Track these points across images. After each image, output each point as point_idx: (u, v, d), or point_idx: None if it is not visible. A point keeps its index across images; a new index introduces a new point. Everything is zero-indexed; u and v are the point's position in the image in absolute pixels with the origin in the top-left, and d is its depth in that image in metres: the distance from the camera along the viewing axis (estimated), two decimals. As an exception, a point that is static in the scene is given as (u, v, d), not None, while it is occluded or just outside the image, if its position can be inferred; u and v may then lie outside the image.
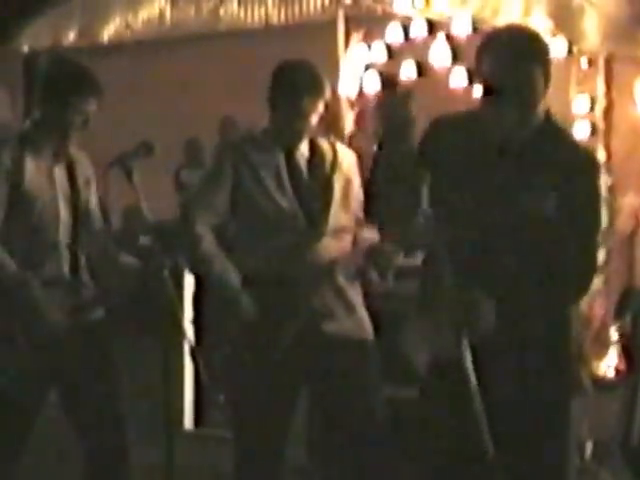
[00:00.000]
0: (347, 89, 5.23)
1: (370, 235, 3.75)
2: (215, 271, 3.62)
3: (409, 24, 5.17)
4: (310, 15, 6.38)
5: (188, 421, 4.94)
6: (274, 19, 6.33)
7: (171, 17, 6.57)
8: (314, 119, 3.59)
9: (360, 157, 3.85)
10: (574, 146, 3.01)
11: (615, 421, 4.28)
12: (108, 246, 3.79)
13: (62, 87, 3.57)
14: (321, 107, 3.58)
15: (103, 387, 3.67)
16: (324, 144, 3.71)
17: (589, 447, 4.61)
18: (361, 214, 3.78)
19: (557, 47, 5.71)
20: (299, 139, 3.63)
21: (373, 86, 5.17)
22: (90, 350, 3.65)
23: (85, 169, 3.74)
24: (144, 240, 3.78)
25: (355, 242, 3.74)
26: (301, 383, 3.66)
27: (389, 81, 5.04)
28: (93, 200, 3.76)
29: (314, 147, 3.69)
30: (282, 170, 3.63)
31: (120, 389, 3.72)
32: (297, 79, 3.57)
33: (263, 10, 6.67)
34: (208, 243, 3.60)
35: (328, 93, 3.63)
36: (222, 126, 5.95)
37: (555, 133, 2.95)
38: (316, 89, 3.58)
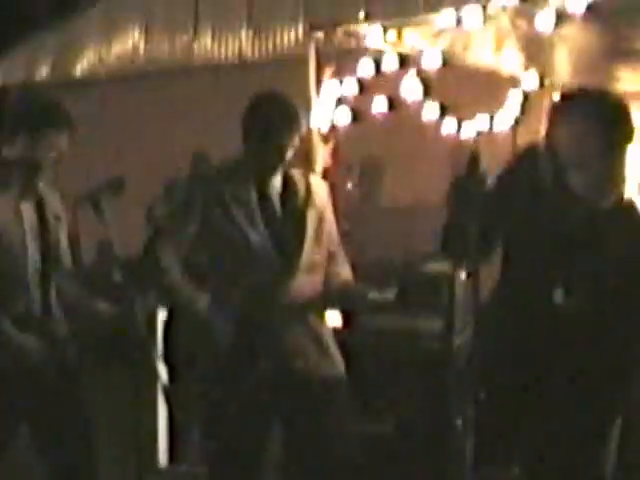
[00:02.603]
0: (319, 123, 5.27)
1: (343, 271, 3.75)
2: (183, 301, 3.60)
3: (380, 58, 5.21)
4: (283, 50, 6.45)
5: (162, 458, 4.92)
6: (248, 54, 6.35)
7: (145, 52, 6.56)
8: (288, 153, 3.59)
9: (334, 191, 3.92)
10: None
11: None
12: (79, 288, 3.75)
13: (33, 121, 3.53)
14: (296, 141, 3.59)
15: (75, 426, 3.64)
16: (297, 177, 3.70)
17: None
18: (334, 248, 3.76)
19: (529, 80, 5.75)
20: (272, 173, 3.62)
21: (344, 120, 5.23)
22: (62, 387, 3.63)
23: (55, 206, 3.69)
24: (117, 276, 3.73)
25: (327, 279, 3.73)
26: (272, 419, 3.64)
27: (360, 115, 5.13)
28: (63, 238, 3.71)
29: (287, 180, 3.68)
30: (254, 205, 3.61)
31: (92, 427, 3.68)
32: (271, 112, 3.56)
33: (237, 45, 6.71)
34: (175, 275, 3.57)
35: (302, 127, 3.63)
36: (194, 161, 5.97)
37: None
38: (290, 122, 3.57)
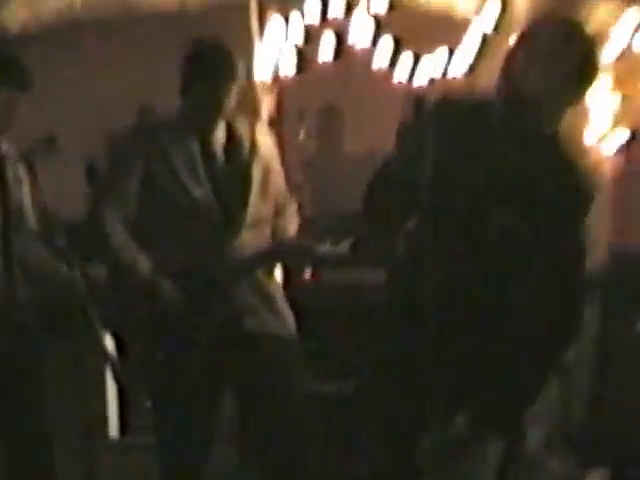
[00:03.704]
0: (262, 72, 5.15)
1: (291, 226, 3.74)
2: (125, 263, 3.51)
3: (327, 2, 5.05)
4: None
5: (112, 429, 4.82)
6: (189, 1, 6.23)
7: (82, 2, 6.46)
8: (228, 104, 3.53)
9: (283, 141, 3.93)
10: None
11: (554, 408, 4.28)
12: (39, 249, 3.72)
13: None
14: (235, 91, 3.53)
15: (30, 403, 3.63)
16: (242, 128, 3.64)
17: (537, 436, 4.54)
18: (283, 202, 3.72)
19: (485, 23, 5.40)
20: (213, 124, 3.55)
21: (290, 68, 5.12)
22: (20, 351, 3.60)
23: (17, 167, 3.63)
24: (60, 241, 3.74)
25: (274, 234, 3.70)
26: (223, 382, 3.61)
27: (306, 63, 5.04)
28: (25, 199, 3.64)
29: (231, 132, 3.61)
30: (197, 158, 3.55)
31: (46, 402, 3.67)
32: (208, 62, 3.51)
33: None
34: (117, 237, 3.51)
35: (243, 76, 3.57)
36: (139, 115, 5.80)
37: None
38: (230, 72, 3.51)
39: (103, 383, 4.54)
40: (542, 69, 2.62)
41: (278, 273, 4.07)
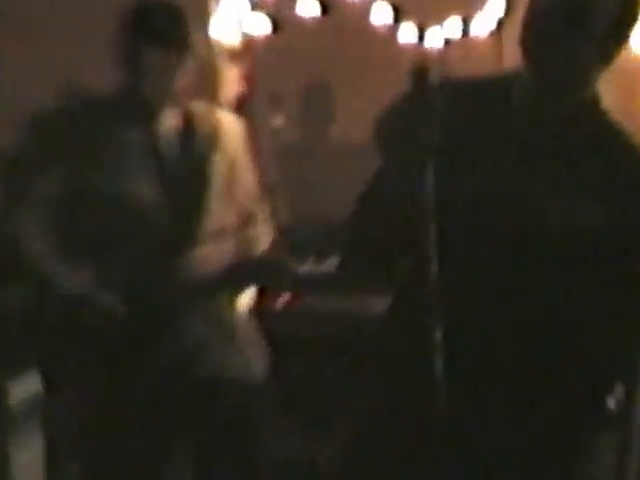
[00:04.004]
0: (225, 35, 4.84)
1: (263, 236, 3.54)
2: (50, 283, 3.29)
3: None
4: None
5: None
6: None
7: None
8: (182, 79, 3.31)
9: (253, 129, 3.68)
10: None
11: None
12: None
13: None
14: (191, 62, 3.31)
15: None
16: (201, 112, 3.44)
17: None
18: (253, 206, 3.54)
19: None
20: (162, 106, 3.34)
21: (262, 30, 4.83)
22: None
23: None
24: None
25: (241, 247, 3.47)
26: (172, 440, 3.42)
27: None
28: None
29: (186, 118, 3.41)
30: (140, 150, 3.35)
31: None
32: (156, 25, 3.30)
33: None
34: (36, 247, 3.30)
35: (199, 43, 3.37)
36: (65, 96, 5.47)
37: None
38: (182, 37, 3.30)
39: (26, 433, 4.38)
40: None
41: (247, 297, 3.77)
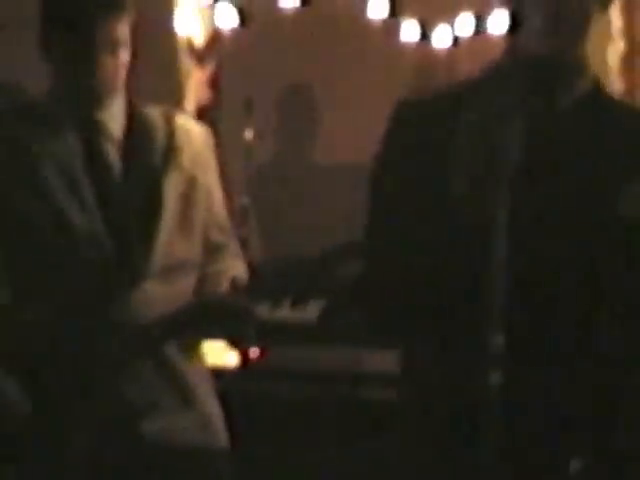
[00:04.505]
0: (187, 29, 4.72)
1: (232, 271, 3.33)
2: None
3: None
4: None
5: None
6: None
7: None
8: (119, 59, 3.15)
9: (218, 143, 3.46)
10: None
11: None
12: None
13: None
14: (125, 32, 3.16)
15: None
16: (153, 116, 3.32)
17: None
18: (219, 237, 3.39)
19: None
20: (98, 100, 3.20)
21: (229, 23, 4.67)
22: None
23: None
24: None
25: (202, 286, 3.32)
26: None
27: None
28: None
29: (134, 123, 3.30)
30: (77, 163, 3.22)
31: None
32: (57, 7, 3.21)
33: None
34: None
35: (128, 18, 3.19)
36: None
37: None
38: (108, 10, 3.13)
39: None
40: None
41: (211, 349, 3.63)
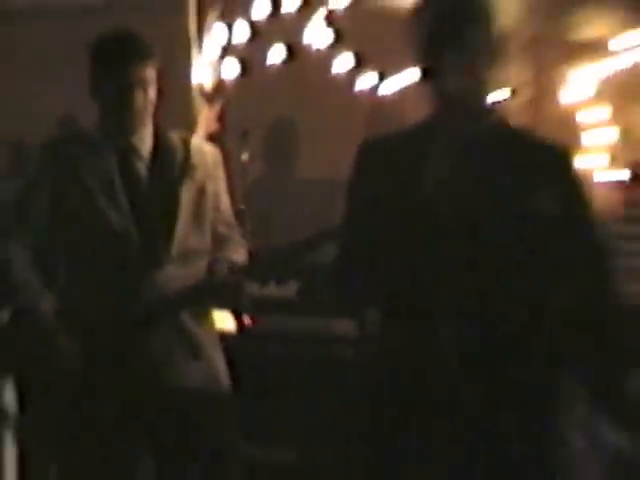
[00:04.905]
0: (201, 77, 5.09)
1: (235, 257, 3.65)
2: (25, 305, 3.50)
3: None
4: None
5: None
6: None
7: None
8: (146, 97, 3.48)
9: (225, 160, 3.75)
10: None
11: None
12: None
13: None
14: (152, 77, 3.49)
15: None
16: (173, 140, 3.61)
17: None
18: (225, 230, 3.69)
19: None
20: (131, 128, 3.52)
21: (233, 74, 5.10)
22: None
23: None
24: None
25: (211, 269, 3.61)
26: (141, 445, 3.58)
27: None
28: None
29: (159, 144, 3.59)
30: (114, 175, 3.53)
31: None
32: (112, 47, 3.50)
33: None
34: (20, 269, 3.51)
35: (157, 59, 3.53)
36: (59, 126, 5.79)
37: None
38: (137, 52, 3.47)
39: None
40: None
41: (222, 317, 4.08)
